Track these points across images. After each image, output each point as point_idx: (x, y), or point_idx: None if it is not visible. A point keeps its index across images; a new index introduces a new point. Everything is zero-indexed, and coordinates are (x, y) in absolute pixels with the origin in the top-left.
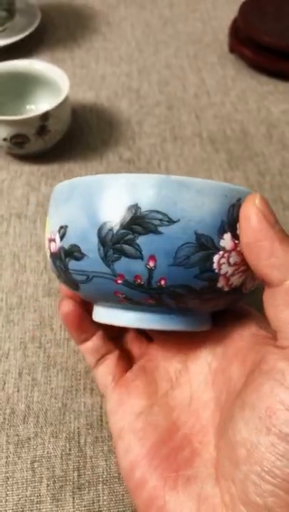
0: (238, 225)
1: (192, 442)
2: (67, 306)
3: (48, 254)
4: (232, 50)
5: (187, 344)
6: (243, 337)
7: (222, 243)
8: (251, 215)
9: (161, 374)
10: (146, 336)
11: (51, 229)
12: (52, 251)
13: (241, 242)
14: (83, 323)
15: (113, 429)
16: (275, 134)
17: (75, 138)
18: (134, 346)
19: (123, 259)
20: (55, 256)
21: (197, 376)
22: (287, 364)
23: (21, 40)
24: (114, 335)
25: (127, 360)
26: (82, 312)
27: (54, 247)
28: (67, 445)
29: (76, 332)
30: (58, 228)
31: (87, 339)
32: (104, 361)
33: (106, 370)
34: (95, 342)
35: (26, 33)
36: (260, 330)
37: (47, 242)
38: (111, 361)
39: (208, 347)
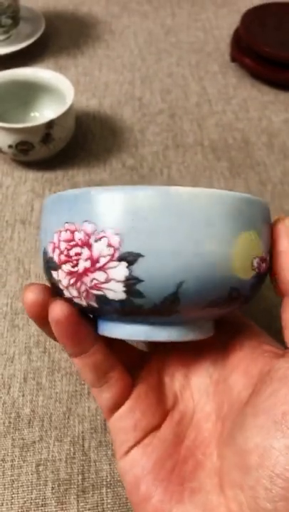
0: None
1: (195, 454)
2: (61, 310)
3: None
4: (233, 59)
5: (188, 356)
6: (244, 347)
7: None
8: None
9: (166, 389)
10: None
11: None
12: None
13: (275, 251)
14: (80, 332)
15: (119, 446)
16: (276, 143)
17: (78, 145)
18: (127, 356)
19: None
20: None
21: (199, 388)
22: None
23: (26, 48)
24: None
25: (129, 376)
26: (80, 317)
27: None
28: (72, 449)
29: (71, 342)
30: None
31: (84, 352)
32: (108, 381)
33: (111, 395)
34: (96, 356)
35: (31, 40)
36: (259, 340)
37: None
38: (115, 381)
39: (209, 358)
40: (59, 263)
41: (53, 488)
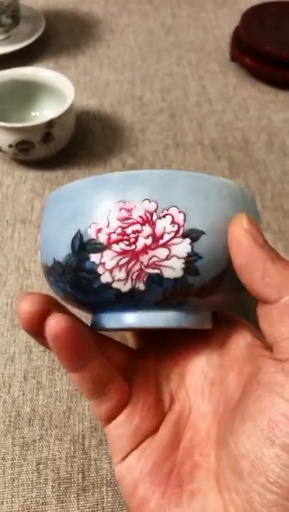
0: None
1: (192, 455)
2: (59, 323)
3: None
4: (233, 58)
5: (183, 356)
6: (239, 347)
7: None
8: (240, 238)
9: (162, 391)
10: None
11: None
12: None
13: (234, 265)
14: (80, 346)
15: (117, 452)
16: (276, 142)
17: (78, 144)
18: (122, 358)
19: None
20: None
21: (194, 388)
22: (285, 377)
23: (26, 47)
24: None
25: (126, 384)
26: (80, 330)
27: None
28: (72, 447)
29: (70, 358)
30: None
31: (83, 367)
32: (106, 393)
33: (109, 405)
34: (95, 370)
35: (31, 40)
36: (255, 340)
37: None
38: (114, 392)
39: (204, 357)
40: (108, 243)
41: (53, 486)
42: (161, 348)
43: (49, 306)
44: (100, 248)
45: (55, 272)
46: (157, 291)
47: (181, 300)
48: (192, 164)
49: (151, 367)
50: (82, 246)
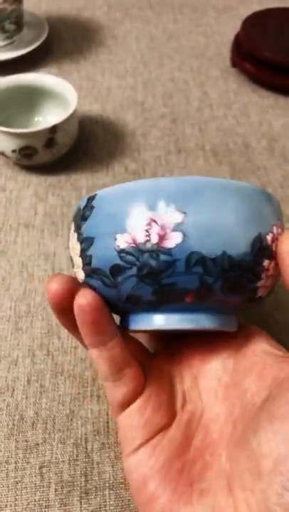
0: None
1: (203, 455)
2: (88, 297)
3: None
4: (234, 64)
5: (197, 359)
6: (256, 352)
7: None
8: None
9: (175, 389)
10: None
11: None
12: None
13: (286, 275)
14: (103, 321)
15: (127, 444)
16: (277, 147)
17: (81, 149)
18: (139, 354)
19: None
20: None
21: (208, 390)
22: None
23: (29, 53)
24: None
25: (142, 374)
26: (104, 306)
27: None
28: (75, 451)
29: (93, 331)
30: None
31: (103, 343)
32: (122, 377)
33: (124, 391)
34: (114, 350)
35: (34, 45)
36: (272, 346)
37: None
38: (129, 378)
39: (219, 361)
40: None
41: (56, 489)
42: (176, 351)
43: (76, 285)
44: (269, 255)
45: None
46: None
47: (212, 302)
48: (194, 169)
49: (165, 367)
50: (261, 249)
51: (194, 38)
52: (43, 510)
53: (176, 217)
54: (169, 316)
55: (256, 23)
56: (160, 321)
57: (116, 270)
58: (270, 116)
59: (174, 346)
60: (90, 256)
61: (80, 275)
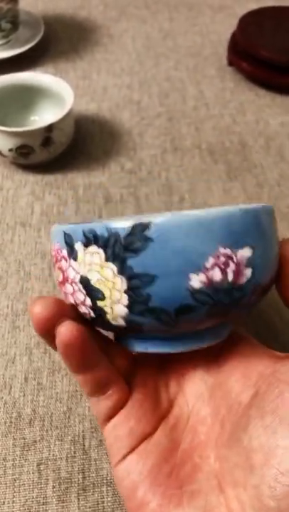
0: None
1: (192, 457)
2: (69, 331)
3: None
4: (230, 63)
5: (182, 363)
6: (240, 352)
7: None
8: None
9: (160, 395)
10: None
11: None
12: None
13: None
14: (87, 353)
15: (114, 454)
16: (273, 146)
17: (77, 148)
18: (124, 362)
19: None
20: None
21: (194, 394)
22: None
23: (25, 52)
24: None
25: (126, 386)
26: (88, 337)
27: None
28: (72, 448)
29: (77, 363)
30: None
31: (88, 370)
32: (106, 393)
33: (108, 405)
34: (99, 373)
35: (30, 44)
36: (256, 346)
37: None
38: (113, 392)
39: (203, 365)
40: None
41: (53, 486)
42: (161, 356)
43: (60, 310)
44: None
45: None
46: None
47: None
48: (190, 168)
49: (150, 372)
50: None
51: (190, 37)
52: (41, 507)
53: (247, 251)
54: (181, 340)
55: (252, 22)
56: (176, 345)
57: (184, 310)
58: (266, 115)
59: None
60: (148, 295)
61: (118, 311)
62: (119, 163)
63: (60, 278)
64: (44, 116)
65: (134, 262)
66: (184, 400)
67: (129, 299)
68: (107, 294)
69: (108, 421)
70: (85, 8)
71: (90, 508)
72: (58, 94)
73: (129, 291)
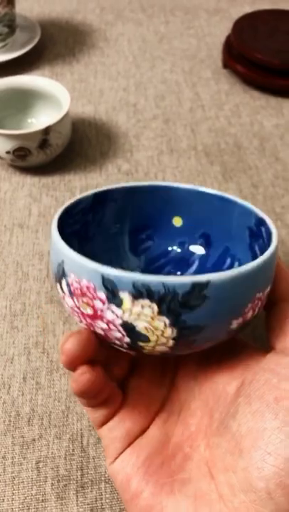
0: None
1: (183, 448)
2: (87, 375)
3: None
4: (225, 66)
5: (176, 363)
6: (225, 348)
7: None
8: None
9: (154, 393)
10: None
11: None
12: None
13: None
14: (101, 389)
15: (111, 454)
16: (268, 147)
17: (74, 150)
18: (120, 364)
19: None
20: None
21: (185, 390)
22: None
23: (22, 56)
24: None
25: (120, 393)
26: (101, 378)
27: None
28: (71, 446)
29: (90, 402)
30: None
31: (97, 403)
32: (102, 402)
33: (103, 413)
34: (103, 396)
35: (27, 48)
36: (240, 342)
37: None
38: (109, 401)
39: (195, 363)
40: None
41: (52, 484)
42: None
43: (89, 349)
44: None
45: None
46: None
47: None
48: (186, 170)
49: (145, 373)
50: None
51: (186, 40)
52: (40, 504)
53: (269, 287)
54: None
55: (247, 25)
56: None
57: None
58: (261, 117)
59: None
60: (194, 340)
61: (160, 349)
62: (116, 164)
63: (89, 312)
64: (41, 118)
65: (188, 317)
66: (176, 396)
67: (174, 343)
68: (153, 338)
69: (104, 424)
70: (81, 12)
71: (88, 504)
72: (54, 97)
73: (178, 338)
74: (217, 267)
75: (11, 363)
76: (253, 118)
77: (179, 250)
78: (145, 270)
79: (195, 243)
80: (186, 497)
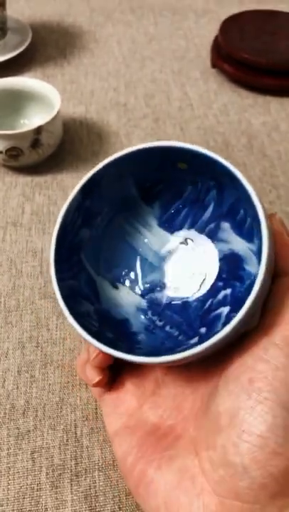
0: None
1: (175, 429)
2: (97, 376)
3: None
4: (214, 65)
5: None
6: None
7: None
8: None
9: (147, 378)
10: None
11: None
12: None
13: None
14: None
15: (109, 428)
16: (255, 144)
17: (66, 150)
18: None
19: None
20: None
21: (179, 378)
22: (269, 342)
23: (14, 58)
24: None
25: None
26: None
27: None
28: (65, 436)
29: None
30: None
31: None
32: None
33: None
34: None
35: (18, 50)
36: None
37: None
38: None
39: None
40: None
41: (47, 473)
42: None
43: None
44: None
45: None
46: None
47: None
48: None
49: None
50: None
51: (175, 41)
52: (35, 493)
53: None
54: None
55: (234, 26)
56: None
57: None
58: (249, 115)
59: None
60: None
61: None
62: None
63: None
64: (33, 119)
65: None
66: (170, 381)
67: None
68: None
69: (104, 394)
70: (72, 15)
71: (82, 492)
72: (46, 98)
73: None
74: (232, 214)
75: (6, 357)
76: (241, 116)
77: (191, 188)
78: (161, 220)
79: (206, 183)
80: (172, 471)
